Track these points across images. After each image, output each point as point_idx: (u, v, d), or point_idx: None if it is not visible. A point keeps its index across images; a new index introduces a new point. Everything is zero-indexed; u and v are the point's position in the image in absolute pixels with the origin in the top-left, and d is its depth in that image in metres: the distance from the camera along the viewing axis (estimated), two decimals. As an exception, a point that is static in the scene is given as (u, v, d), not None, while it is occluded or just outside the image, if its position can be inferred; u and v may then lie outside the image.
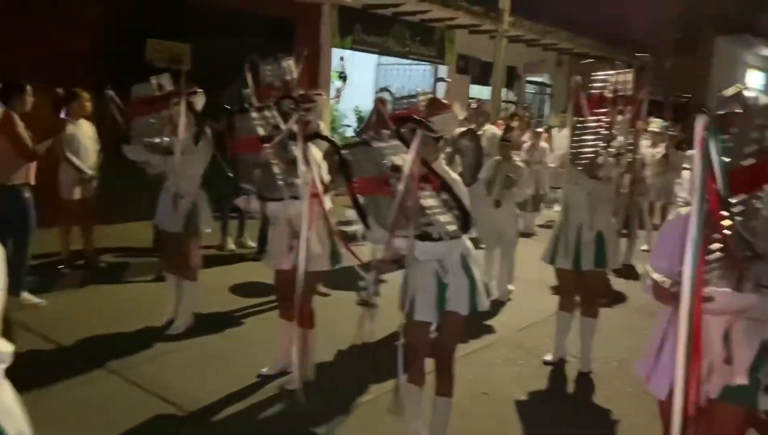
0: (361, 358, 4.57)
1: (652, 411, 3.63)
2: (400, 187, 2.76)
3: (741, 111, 1.99)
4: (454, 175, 3.11)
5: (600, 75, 4.07)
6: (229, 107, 3.95)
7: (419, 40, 13.55)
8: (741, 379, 2.19)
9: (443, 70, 14.50)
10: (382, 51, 12.92)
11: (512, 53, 14.95)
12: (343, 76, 12.22)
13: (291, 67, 4.04)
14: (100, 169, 6.05)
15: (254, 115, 3.75)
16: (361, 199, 3.07)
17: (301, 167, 3.61)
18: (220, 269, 6.61)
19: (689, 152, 8.57)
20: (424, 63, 14.14)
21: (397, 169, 2.85)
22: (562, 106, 16.60)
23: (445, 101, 3.61)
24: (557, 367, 4.61)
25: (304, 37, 10.25)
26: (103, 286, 5.83)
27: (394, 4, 11.83)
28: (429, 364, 3.27)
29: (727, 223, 2.00)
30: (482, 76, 14.83)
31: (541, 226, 9.39)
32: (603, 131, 4.07)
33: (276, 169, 3.70)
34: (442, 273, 3.06)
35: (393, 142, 2.90)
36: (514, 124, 8.52)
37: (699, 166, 1.83)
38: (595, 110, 4.04)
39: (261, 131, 3.73)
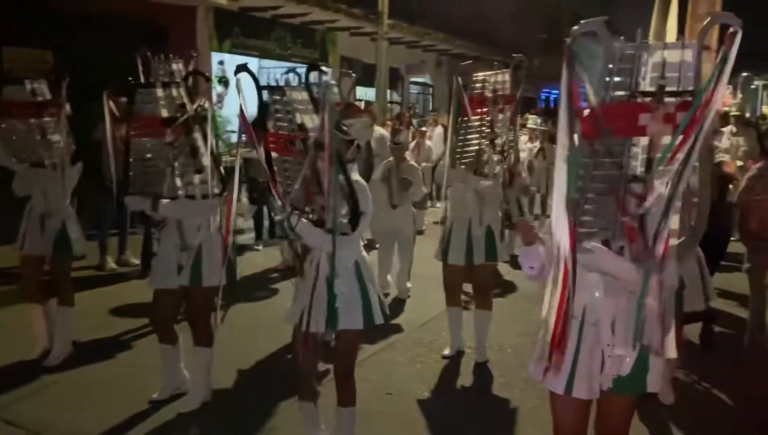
0: (258, 373, 4.45)
1: (543, 392, 3.83)
2: (310, 151, 2.57)
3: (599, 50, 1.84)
4: (363, 182, 2.93)
5: (480, 75, 4.21)
6: (132, 79, 3.63)
7: (301, 42, 13.48)
8: (627, 367, 2.23)
9: (327, 73, 14.48)
10: (263, 54, 12.72)
11: (394, 55, 15.25)
12: (224, 81, 11.86)
13: (181, 69, 3.85)
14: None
15: (159, 91, 3.49)
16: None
17: (204, 159, 3.39)
18: (101, 291, 6.18)
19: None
20: (307, 65, 14.05)
21: (302, 128, 2.65)
22: (444, 106, 17.18)
23: (358, 105, 3.53)
24: (455, 359, 4.72)
25: (180, 40, 9.84)
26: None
27: (272, 6, 11.67)
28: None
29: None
30: (366, 78, 14.99)
31: (434, 223, 9.61)
32: (486, 129, 4.22)
33: (174, 161, 3.47)
34: (331, 279, 2.86)
35: (305, 95, 2.70)
36: (401, 127, 8.68)
37: (565, 82, 1.76)
38: (477, 110, 4.18)
39: (164, 112, 3.49)
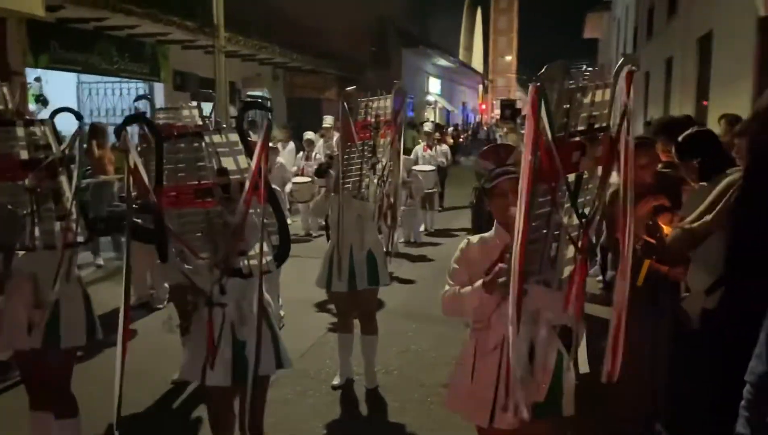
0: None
1: (438, 413, 3.88)
2: (242, 197, 2.35)
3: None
4: None
5: (364, 101, 4.18)
6: None
7: (128, 56, 12.50)
8: (543, 394, 2.28)
9: (159, 88, 13.62)
10: (86, 69, 11.61)
11: (229, 68, 14.70)
12: (42, 100, 10.56)
13: (7, 94, 3.35)
14: None
15: (20, 131, 3.01)
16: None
17: (68, 204, 2.98)
18: None
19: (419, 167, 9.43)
20: (136, 81, 13.08)
21: (223, 172, 2.44)
22: (282, 120, 16.97)
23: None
24: (347, 389, 4.62)
25: (-12, 56, 8.66)
26: None
27: (96, 18, 10.67)
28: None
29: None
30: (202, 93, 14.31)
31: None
32: (367, 154, 4.19)
33: (35, 208, 3.00)
34: (238, 325, 2.68)
35: (231, 137, 2.44)
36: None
37: (530, 131, 1.77)
38: (360, 135, 4.15)
39: (23, 154, 3.00)
